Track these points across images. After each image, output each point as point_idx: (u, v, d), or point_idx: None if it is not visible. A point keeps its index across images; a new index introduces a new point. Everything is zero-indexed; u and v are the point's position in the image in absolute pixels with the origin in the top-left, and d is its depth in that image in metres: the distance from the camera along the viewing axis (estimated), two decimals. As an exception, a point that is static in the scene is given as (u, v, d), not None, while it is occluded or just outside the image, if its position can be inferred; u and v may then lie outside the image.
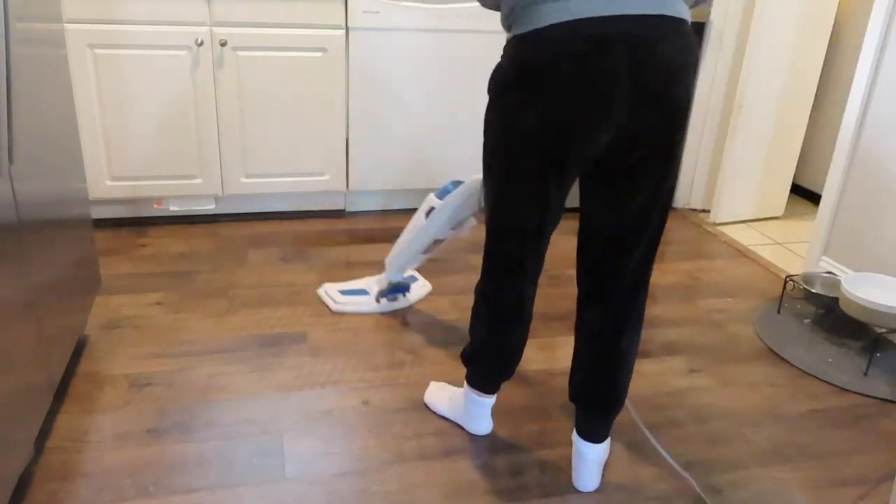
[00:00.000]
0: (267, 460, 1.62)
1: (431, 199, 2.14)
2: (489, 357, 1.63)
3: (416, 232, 2.18)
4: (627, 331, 1.48)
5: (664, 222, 1.41)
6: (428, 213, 2.13)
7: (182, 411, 1.76)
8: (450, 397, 1.81)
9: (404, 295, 2.35)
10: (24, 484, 1.50)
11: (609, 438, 1.59)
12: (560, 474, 1.62)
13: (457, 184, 2.11)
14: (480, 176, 1.94)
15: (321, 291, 2.38)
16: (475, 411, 1.73)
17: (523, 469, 1.64)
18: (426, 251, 2.23)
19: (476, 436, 1.73)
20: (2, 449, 1.29)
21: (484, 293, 1.59)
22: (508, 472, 1.62)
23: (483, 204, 1.86)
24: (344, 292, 2.35)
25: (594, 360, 1.51)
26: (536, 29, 1.23)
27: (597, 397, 1.52)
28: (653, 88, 1.24)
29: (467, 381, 1.70)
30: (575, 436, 1.57)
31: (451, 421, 1.78)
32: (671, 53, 1.24)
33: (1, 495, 1.29)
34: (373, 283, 2.38)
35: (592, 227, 1.43)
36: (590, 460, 1.57)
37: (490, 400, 1.71)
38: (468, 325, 1.67)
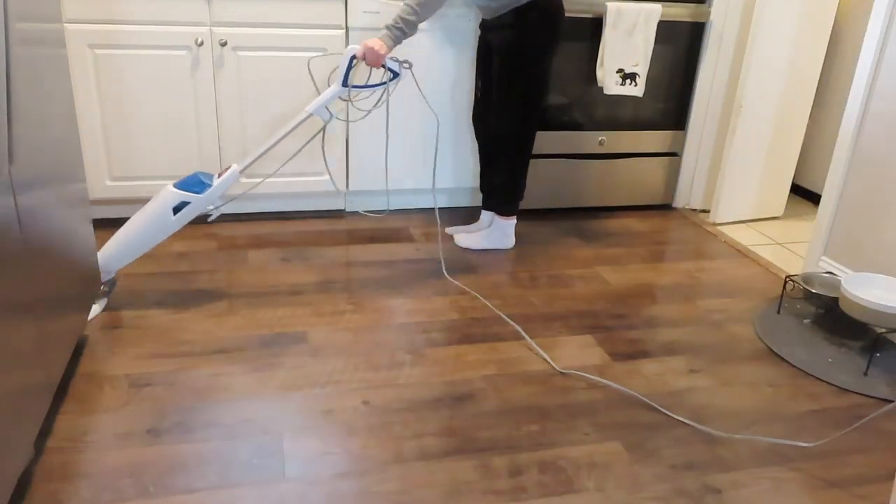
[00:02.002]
0: (267, 460, 1.62)
1: (178, 194, 2.09)
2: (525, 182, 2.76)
3: (158, 229, 2.11)
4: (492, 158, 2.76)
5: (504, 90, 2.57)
6: (178, 209, 2.09)
7: (182, 411, 1.76)
8: (484, 236, 2.77)
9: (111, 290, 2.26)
10: (24, 484, 1.50)
11: (492, 217, 2.78)
12: (560, 474, 1.62)
13: (207, 175, 2.16)
14: (236, 166, 2.18)
15: None
16: (511, 232, 2.78)
17: (523, 469, 1.64)
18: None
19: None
20: (2, 449, 1.29)
21: (529, 136, 2.66)
22: (508, 472, 1.62)
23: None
24: None
25: (486, 167, 2.83)
26: None
27: (487, 185, 2.81)
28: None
29: (508, 215, 2.75)
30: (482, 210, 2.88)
31: (495, 251, 2.77)
32: None
33: (1, 495, 1.29)
34: None
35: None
36: (482, 219, 2.88)
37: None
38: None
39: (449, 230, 2.92)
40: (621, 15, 2.89)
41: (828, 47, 3.15)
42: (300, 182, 2.92)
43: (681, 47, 3.10)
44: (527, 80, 2.53)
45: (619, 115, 3.16)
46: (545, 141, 3.08)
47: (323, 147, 2.45)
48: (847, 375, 2.07)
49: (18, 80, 1.39)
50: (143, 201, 2.83)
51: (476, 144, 2.94)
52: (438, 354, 2.07)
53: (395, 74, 2.21)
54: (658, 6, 2.92)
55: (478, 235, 2.78)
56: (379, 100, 2.36)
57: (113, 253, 2.14)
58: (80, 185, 1.91)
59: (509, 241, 2.80)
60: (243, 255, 2.64)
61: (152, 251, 2.62)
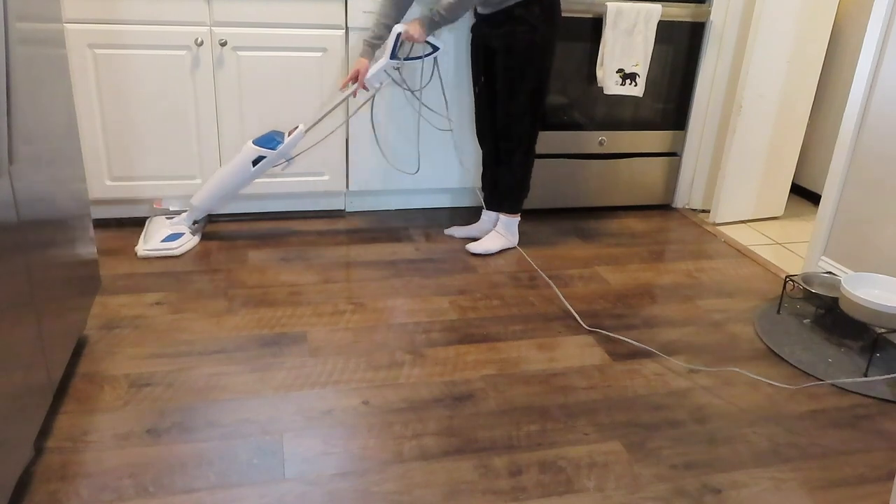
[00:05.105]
0: (267, 460, 1.62)
1: (256, 149, 2.57)
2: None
3: (240, 178, 2.61)
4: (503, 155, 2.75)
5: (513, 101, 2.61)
6: (256, 162, 2.57)
7: (182, 411, 1.77)
8: (495, 237, 2.79)
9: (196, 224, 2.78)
10: (24, 484, 1.50)
11: (498, 218, 2.81)
12: (560, 474, 1.62)
13: (279, 134, 2.62)
14: (302, 126, 2.63)
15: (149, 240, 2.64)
16: (516, 229, 2.83)
17: (523, 469, 1.64)
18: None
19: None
20: (2, 449, 1.29)
21: (534, 138, 2.69)
22: (508, 472, 1.62)
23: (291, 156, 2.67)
24: (164, 240, 2.63)
25: (491, 167, 2.86)
26: None
27: (492, 185, 2.85)
28: None
29: (515, 213, 2.79)
30: (483, 211, 2.91)
31: (504, 250, 2.79)
32: None
33: (1, 495, 1.29)
34: (182, 225, 2.71)
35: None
36: (483, 220, 2.89)
37: None
38: (518, 193, 2.78)
39: (448, 231, 2.92)
40: (621, 15, 2.89)
41: (828, 47, 3.14)
42: (300, 182, 2.92)
43: (681, 47, 3.10)
44: (535, 75, 2.56)
45: (620, 115, 3.16)
46: (545, 141, 3.08)
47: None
48: (847, 375, 2.07)
49: (18, 81, 1.39)
50: (143, 202, 2.85)
51: (477, 144, 2.94)
52: (438, 354, 2.07)
53: (436, 48, 2.69)
54: (658, 6, 2.92)
55: (489, 240, 2.79)
56: (432, 68, 2.84)
57: (205, 197, 2.65)
58: (80, 185, 1.91)
59: (515, 238, 2.82)
60: (243, 255, 2.64)
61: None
